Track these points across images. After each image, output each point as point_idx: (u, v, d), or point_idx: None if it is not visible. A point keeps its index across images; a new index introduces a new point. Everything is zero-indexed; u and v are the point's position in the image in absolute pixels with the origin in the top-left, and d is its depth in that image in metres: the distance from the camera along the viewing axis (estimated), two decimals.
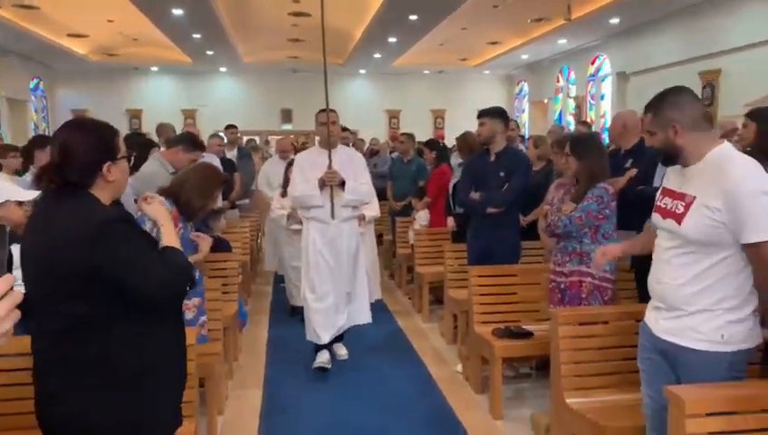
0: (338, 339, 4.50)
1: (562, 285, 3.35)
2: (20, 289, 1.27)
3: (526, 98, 18.17)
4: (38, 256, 1.76)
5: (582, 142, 3.45)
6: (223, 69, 16.82)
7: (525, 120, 17.72)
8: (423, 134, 11.93)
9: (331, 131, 4.18)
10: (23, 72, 14.41)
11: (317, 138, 4.90)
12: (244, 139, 11.69)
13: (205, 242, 3.13)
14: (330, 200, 4.18)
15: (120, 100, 16.71)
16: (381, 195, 7.04)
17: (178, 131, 6.19)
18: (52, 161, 1.78)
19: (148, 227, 2.64)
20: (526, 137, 9.66)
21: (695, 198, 2.06)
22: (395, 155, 8.36)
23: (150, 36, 12.41)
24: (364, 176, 4.37)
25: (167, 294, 1.80)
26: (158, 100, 16.89)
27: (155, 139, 6.44)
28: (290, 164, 5.12)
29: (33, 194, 2.15)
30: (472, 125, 4.38)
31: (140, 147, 5.15)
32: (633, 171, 3.64)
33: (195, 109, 17.04)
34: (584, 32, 12.30)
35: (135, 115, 16.85)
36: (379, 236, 7.51)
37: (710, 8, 9.72)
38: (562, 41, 13.37)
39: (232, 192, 6.42)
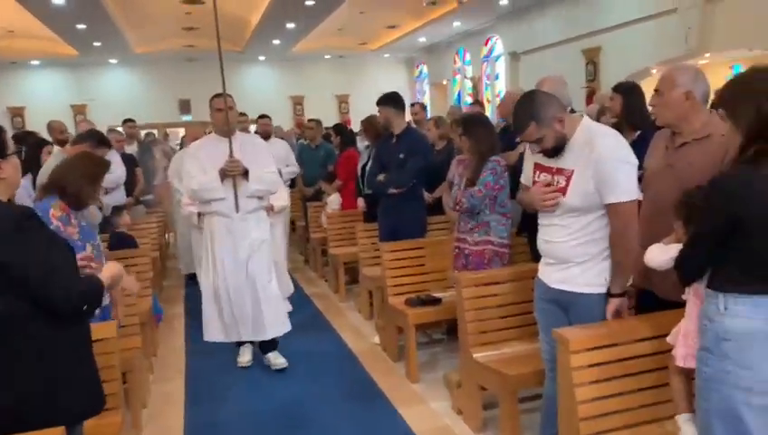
0: (272, 346, 4.22)
1: (466, 251, 3.63)
2: None
3: (426, 80, 18.66)
4: None
5: (471, 122, 3.75)
6: (113, 60, 15.99)
7: (427, 102, 18.20)
8: (329, 119, 11.98)
9: (229, 117, 3.94)
10: None
11: (212, 126, 4.52)
12: (142, 133, 11.25)
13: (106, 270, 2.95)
14: (233, 191, 3.91)
15: None
16: (291, 182, 7.11)
17: (70, 128, 5.94)
18: None
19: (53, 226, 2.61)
20: (427, 118, 9.98)
21: (573, 171, 2.37)
22: (302, 141, 8.42)
23: (29, 28, 11.59)
24: (269, 164, 4.08)
25: (71, 302, 1.83)
26: (43, 96, 15.80)
27: (47, 138, 6.13)
28: None
29: None
30: (377, 108, 4.58)
31: (32, 146, 4.93)
32: (524, 146, 3.94)
33: (85, 104, 16.11)
34: (476, 14, 12.80)
35: (17, 113, 15.70)
36: (292, 223, 7.57)
37: None
38: (457, 23, 13.85)
39: (135, 188, 6.28)
